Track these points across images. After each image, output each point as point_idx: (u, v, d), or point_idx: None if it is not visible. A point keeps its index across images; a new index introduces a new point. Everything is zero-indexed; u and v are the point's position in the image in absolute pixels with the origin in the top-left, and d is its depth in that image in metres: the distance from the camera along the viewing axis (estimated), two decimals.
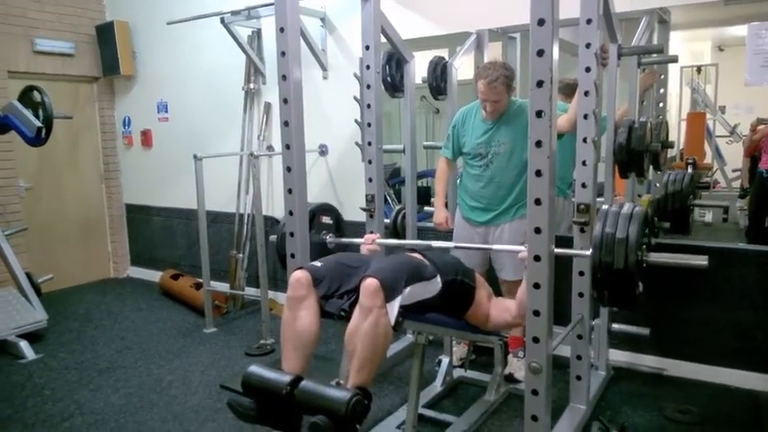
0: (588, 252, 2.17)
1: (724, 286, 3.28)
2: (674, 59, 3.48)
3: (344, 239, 3.12)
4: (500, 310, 2.57)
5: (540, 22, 1.90)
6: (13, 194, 5.18)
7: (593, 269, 2.14)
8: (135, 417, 3.20)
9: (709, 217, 4.09)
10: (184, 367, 3.85)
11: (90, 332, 4.60)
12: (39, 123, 4.21)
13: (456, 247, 3.00)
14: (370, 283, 1.97)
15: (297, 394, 1.90)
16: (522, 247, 2.11)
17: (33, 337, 4.29)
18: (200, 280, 4.76)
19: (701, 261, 2.15)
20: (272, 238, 3.26)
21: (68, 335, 4.54)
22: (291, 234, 2.63)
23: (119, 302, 5.40)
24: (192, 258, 5.54)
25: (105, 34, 5.64)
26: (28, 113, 4.22)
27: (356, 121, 4.17)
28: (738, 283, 3.25)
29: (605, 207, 2.21)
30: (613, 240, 2.07)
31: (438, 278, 2.28)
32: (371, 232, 3.30)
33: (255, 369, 2.01)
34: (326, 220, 3.11)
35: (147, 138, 5.88)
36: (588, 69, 2.66)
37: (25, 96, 4.35)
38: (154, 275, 5.84)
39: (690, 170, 4.01)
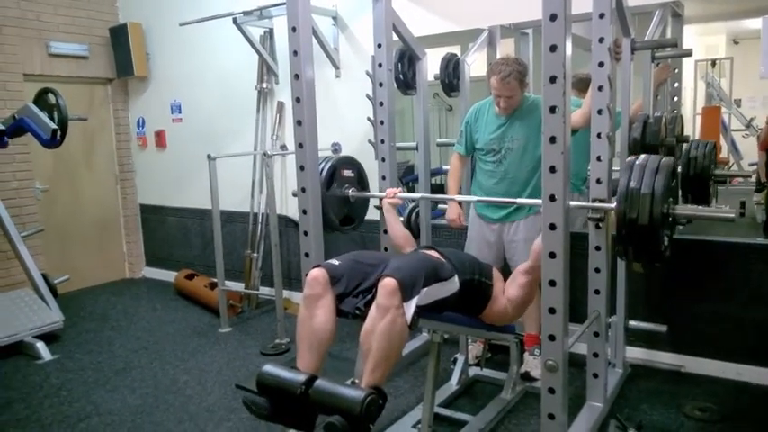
0: (612, 205, 2.14)
1: (742, 282, 3.25)
2: (689, 53, 3.44)
3: (366, 193, 3.13)
4: (514, 279, 2.50)
5: (553, 18, 1.89)
6: (29, 196, 5.23)
7: (618, 224, 2.11)
8: (151, 417, 3.22)
9: (734, 215, 4.04)
10: (200, 367, 3.87)
11: (106, 333, 4.63)
12: (54, 126, 4.24)
13: (478, 201, 3.09)
14: (388, 283, 1.97)
15: (311, 393, 1.91)
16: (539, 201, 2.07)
17: (50, 338, 4.34)
18: (215, 280, 4.78)
19: (729, 214, 2.12)
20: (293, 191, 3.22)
21: (84, 335, 4.57)
22: (305, 233, 2.63)
23: (134, 303, 5.44)
24: (206, 258, 5.57)
25: (119, 36, 5.68)
26: (43, 116, 4.26)
27: (369, 119, 4.16)
28: (757, 278, 3.21)
29: (630, 159, 2.17)
30: (638, 194, 2.03)
31: (456, 278, 2.26)
32: (385, 231, 3.29)
33: (270, 368, 2.02)
34: (348, 173, 3.10)
35: (161, 138, 5.92)
36: (602, 64, 2.64)
37: (40, 99, 4.38)
38: (169, 275, 5.88)
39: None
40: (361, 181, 3.20)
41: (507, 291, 2.51)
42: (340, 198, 3.03)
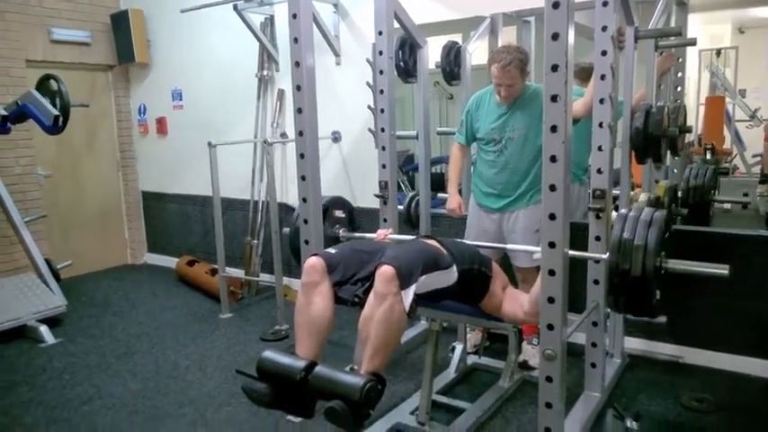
0: (605, 256, 2.15)
1: (743, 273, 3.20)
2: (693, 42, 3.42)
3: (357, 234, 3.12)
4: (513, 304, 2.52)
5: (555, 5, 1.87)
6: (32, 182, 5.24)
7: (610, 275, 2.11)
8: (152, 401, 3.24)
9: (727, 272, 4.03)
10: (200, 352, 3.89)
11: (108, 317, 4.66)
12: (56, 112, 4.24)
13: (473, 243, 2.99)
14: (385, 270, 1.97)
15: (311, 379, 1.92)
16: (537, 249, 2.09)
17: (53, 322, 4.36)
18: (216, 266, 4.80)
19: (722, 270, 2.12)
20: (285, 230, 3.26)
21: (87, 320, 4.60)
22: (305, 221, 2.64)
23: (136, 288, 5.47)
24: (207, 245, 5.58)
25: (120, 23, 5.66)
26: (45, 102, 4.26)
27: (369, 107, 4.16)
28: (758, 270, 3.20)
29: (624, 211, 2.18)
30: (631, 246, 2.04)
31: (454, 267, 2.26)
32: (385, 220, 3.30)
33: (270, 354, 2.03)
34: (339, 213, 3.12)
35: (162, 125, 5.91)
36: (604, 53, 2.63)
37: (42, 85, 4.38)
38: (170, 262, 5.91)
39: (711, 158, 3.98)
40: (351, 221, 3.20)
41: (508, 302, 2.53)
42: (331, 238, 3.03)
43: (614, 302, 2.20)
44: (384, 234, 2.80)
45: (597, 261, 2.69)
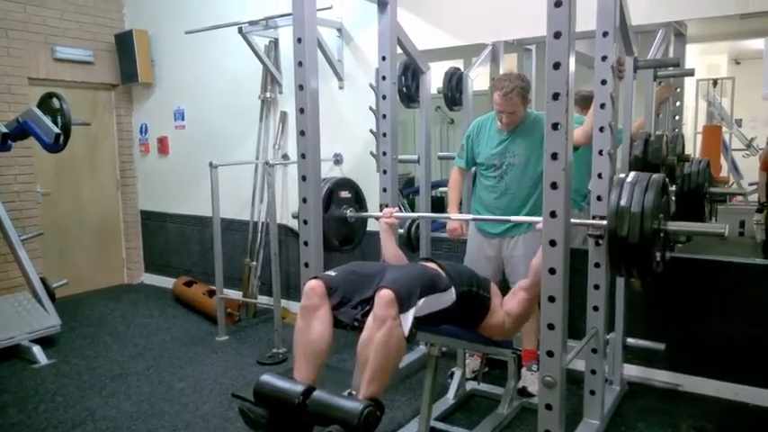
0: (604, 223, 2.16)
1: (741, 301, 3.25)
2: (691, 73, 3.47)
3: (364, 213, 3.15)
4: (513, 296, 2.52)
5: (557, 35, 1.90)
6: (30, 200, 5.24)
7: (609, 240, 2.12)
8: (146, 424, 3.20)
9: (725, 231, 4.05)
10: (196, 375, 3.85)
11: (103, 338, 4.62)
12: (57, 130, 4.24)
13: (474, 219, 3.02)
14: (385, 294, 1.97)
15: (309, 404, 1.91)
16: (539, 218, 2.09)
17: (46, 342, 4.32)
18: (214, 287, 4.77)
19: (720, 229, 2.14)
20: (293, 213, 3.23)
21: (81, 340, 4.56)
22: (306, 243, 2.64)
23: (132, 309, 5.43)
24: (205, 266, 5.56)
25: (124, 42, 5.70)
26: (47, 120, 4.27)
27: (371, 130, 4.18)
28: (755, 298, 3.21)
29: (621, 176, 2.20)
30: (628, 211, 2.05)
31: (452, 290, 2.27)
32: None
33: (268, 378, 2.02)
34: (345, 194, 3.14)
35: (163, 145, 5.93)
36: (604, 82, 2.66)
37: (44, 103, 4.39)
38: (167, 282, 5.88)
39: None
40: (358, 200, 3.23)
41: (506, 305, 2.52)
42: (339, 219, 3.07)
43: (616, 267, 2.21)
44: (390, 212, 2.95)
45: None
